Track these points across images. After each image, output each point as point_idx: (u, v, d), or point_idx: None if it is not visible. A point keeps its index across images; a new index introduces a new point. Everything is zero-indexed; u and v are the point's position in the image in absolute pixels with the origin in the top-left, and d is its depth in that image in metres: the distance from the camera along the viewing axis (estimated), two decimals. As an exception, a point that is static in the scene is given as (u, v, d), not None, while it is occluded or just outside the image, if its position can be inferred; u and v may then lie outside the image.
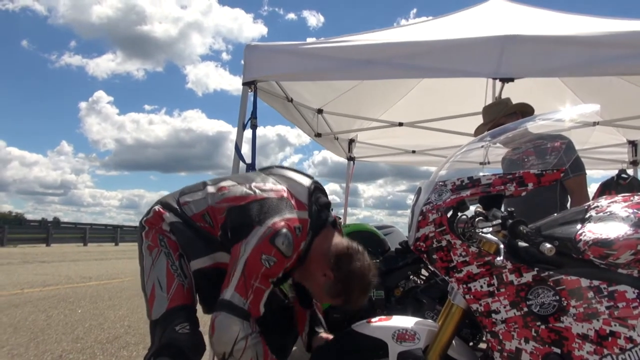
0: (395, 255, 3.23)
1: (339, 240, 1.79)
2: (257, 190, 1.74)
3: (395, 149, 5.98)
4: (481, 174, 1.41)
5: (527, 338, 1.28)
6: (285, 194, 1.74)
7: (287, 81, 3.69)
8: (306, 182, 1.83)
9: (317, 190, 1.84)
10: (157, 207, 1.83)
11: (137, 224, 2.00)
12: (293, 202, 1.72)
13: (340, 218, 2.12)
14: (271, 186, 1.77)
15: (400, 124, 5.03)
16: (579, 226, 1.29)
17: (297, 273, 1.81)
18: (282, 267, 1.62)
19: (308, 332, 1.97)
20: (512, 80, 2.74)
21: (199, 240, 1.75)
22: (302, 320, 2.02)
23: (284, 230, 1.60)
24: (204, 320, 1.66)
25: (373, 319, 1.62)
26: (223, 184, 1.83)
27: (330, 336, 1.90)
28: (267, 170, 1.95)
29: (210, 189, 1.82)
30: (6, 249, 17.41)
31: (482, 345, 2.59)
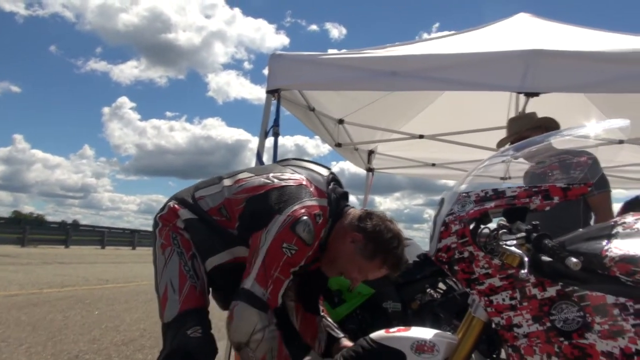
0: (412, 268, 3.21)
1: (354, 210, 1.82)
2: (275, 180, 1.73)
3: (415, 162, 5.96)
4: (506, 186, 1.40)
5: (549, 353, 1.25)
6: (304, 182, 1.72)
7: (310, 90, 3.71)
8: (324, 172, 1.84)
9: (334, 180, 1.85)
10: (171, 203, 1.80)
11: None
12: (312, 189, 1.71)
13: None
14: (289, 175, 1.76)
15: (421, 137, 5.00)
16: (605, 242, 1.26)
17: (324, 261, 1.79)
18: (303, 256, 1.61)
19: (326, 338, 1.94)
20: (537, 94, 2.72)
21: (216, 236, 1.72)
22: (310, 326, 1.98)
23: (305, 217, 1.59)
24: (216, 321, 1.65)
25: (391, 329, 1.60)
26: (240, 176, 1.80)
27: (351, 343, 1.87)
28: (285, 162, 1.95)
29: (227, 182, 1.79)
30: (26, 249, 17.74)
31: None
